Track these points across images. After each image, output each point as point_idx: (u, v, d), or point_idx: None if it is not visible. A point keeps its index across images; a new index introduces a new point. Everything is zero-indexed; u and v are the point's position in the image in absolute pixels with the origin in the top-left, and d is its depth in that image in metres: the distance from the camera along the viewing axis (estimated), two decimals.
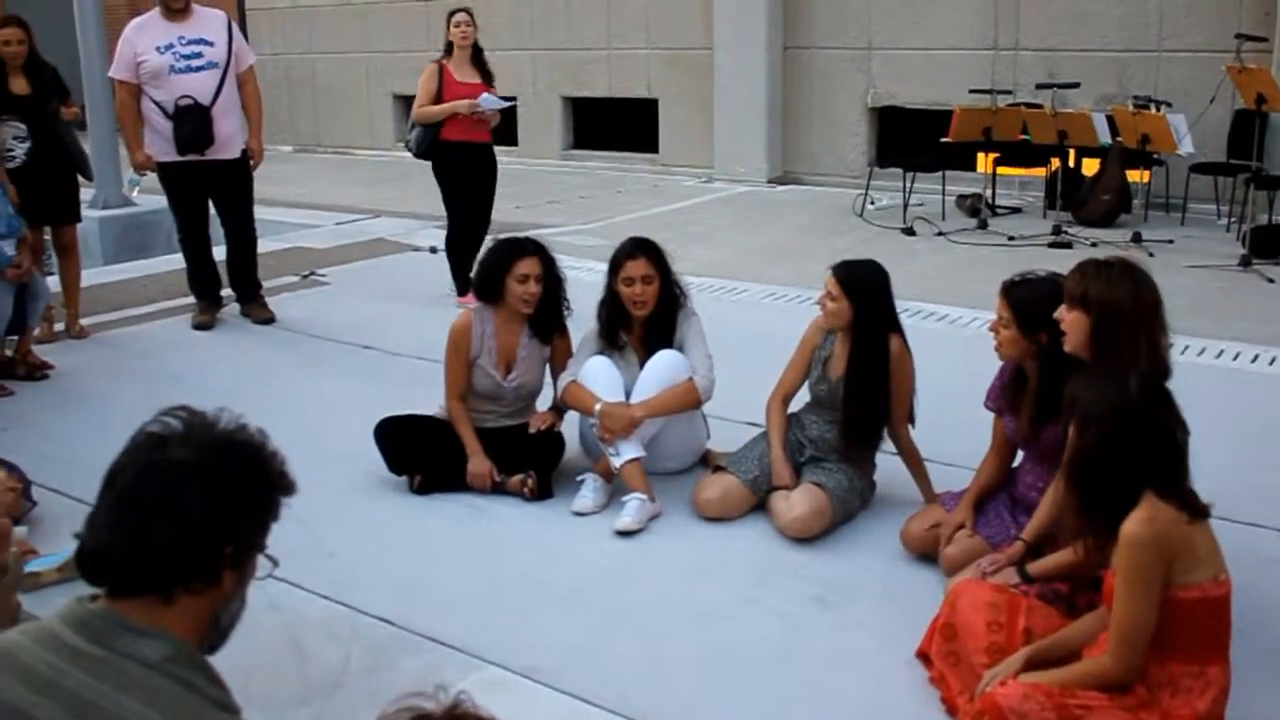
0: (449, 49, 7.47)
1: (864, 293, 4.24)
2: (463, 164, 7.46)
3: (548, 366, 4.89)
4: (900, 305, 4.46)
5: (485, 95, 7.34)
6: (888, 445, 4.46)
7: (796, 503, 4.23)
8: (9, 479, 4.33)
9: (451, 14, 7.51)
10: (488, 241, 5.05)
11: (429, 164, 7.61)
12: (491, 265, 4.76)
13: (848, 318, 4.25)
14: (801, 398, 4.58)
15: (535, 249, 4.74)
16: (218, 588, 1.86)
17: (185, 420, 1.88)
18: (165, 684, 1.77)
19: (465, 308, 7.04)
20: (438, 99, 7.36)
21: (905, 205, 10.18)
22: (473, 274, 5.01)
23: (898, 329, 4.35)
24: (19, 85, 6.65)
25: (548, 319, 4.79)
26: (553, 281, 4.76)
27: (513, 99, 7.45)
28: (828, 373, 4.41)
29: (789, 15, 12.51)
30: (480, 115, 7.34)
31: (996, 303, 3.76)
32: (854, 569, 4.04)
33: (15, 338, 6.25)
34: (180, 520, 1.79)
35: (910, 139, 11.57)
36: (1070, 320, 3.42)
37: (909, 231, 9.67)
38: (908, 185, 10.31)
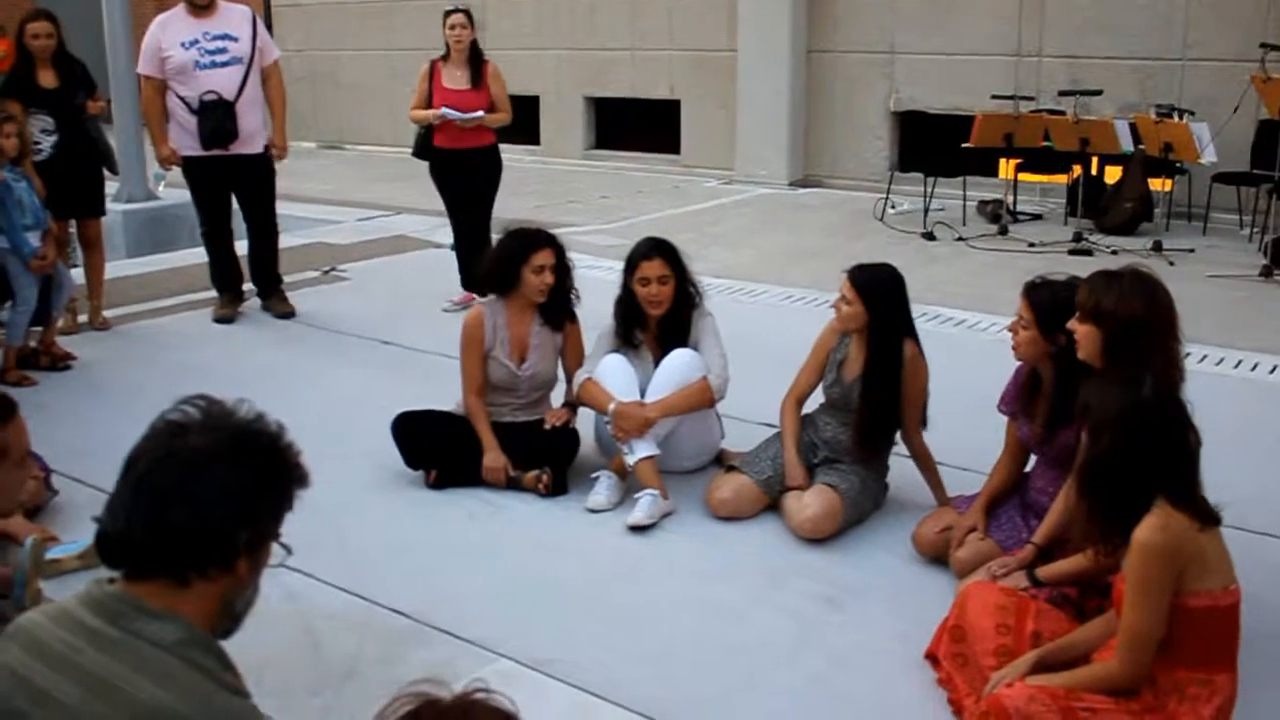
0: (447, 49, 7.30)
1: (878, 296, 4.26)
2: (454, 169, 7.32)
3: (560, 355, 4.93)
4: (918, 310, 4.48)
5: (445, 109, 7.08)
6: (901, 448, 4.47)
7: (809, 503, 4.25)
8: (32, 468, 4.40)
9: (447, 14, 7.27)
10: (498, 234, 5.06)
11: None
12: (507, 257, 4.79)
13: (862, 321, 4.27)
14: (816, 399, 4.60)
15: (549, 240, 4.79)
16: (232, 574, 1.89)
17: (204, 409, 1.92)
18: (178, 666, 1.80)
19: (455, 308, 7.02)
20: (428, 102, 7.23)
21: (926, 210, 10.17)
22: (483, 267, 5.02)
23: (912, 333, 4.36)
24: (47, 79, 6.72)
25: (557, 306, 4.85)
26: (562, 271, 4.81)
27: (480, 111, 7.12)
28: (842, 375, 4.42)
29: (812, 18, 12.51)
30: (460, 124, 7.11)
31: (1018, 303, 3.78)
32: (865, 570, 4.06)
33: (40, 328, 6.32)
34: (197, 506, 1.83)
35: (932, 144, 11.55)
36: (1082, 333, 3.42)
37: (929, 236, 9.67)
38: (928, 190, 10.31)
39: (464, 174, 7.35)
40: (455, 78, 7.22)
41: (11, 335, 6.03)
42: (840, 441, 4.41)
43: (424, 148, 7.40)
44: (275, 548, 1.97)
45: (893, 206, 10.75)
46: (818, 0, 12.48)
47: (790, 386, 4.58)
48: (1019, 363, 3.92)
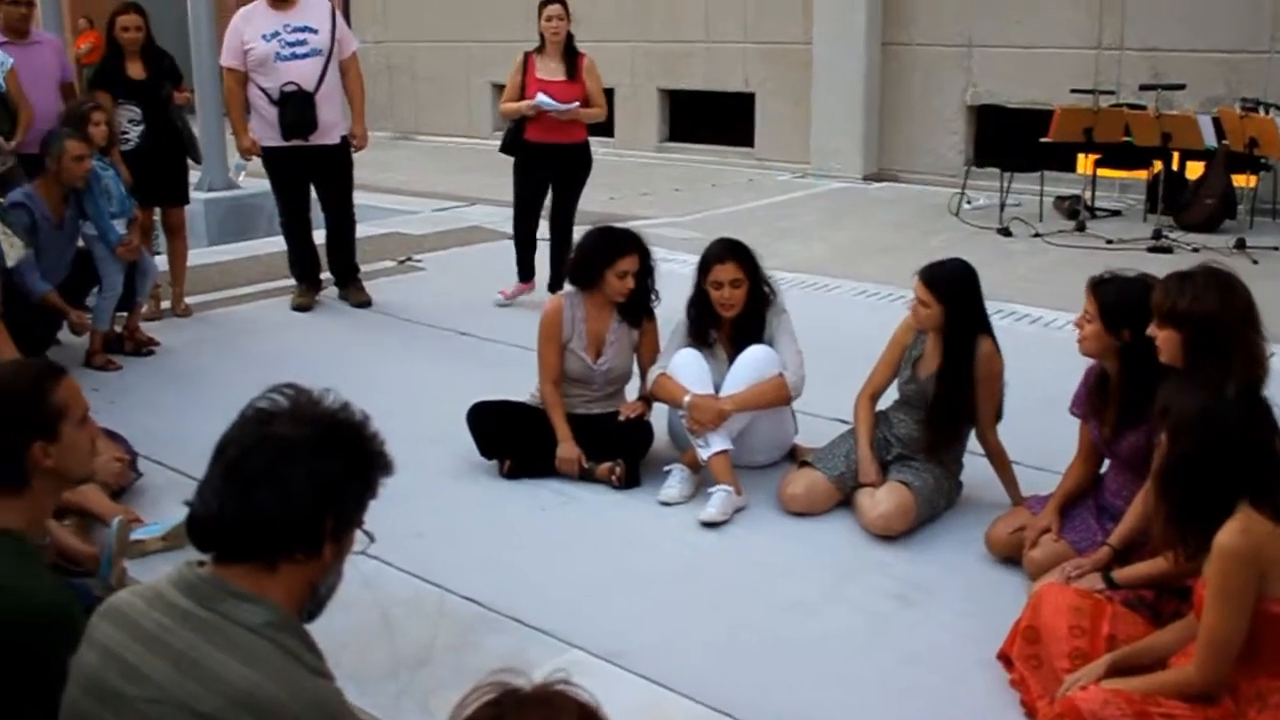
0: (542, 40, 7.18)
1: (954, 294, 4.23)
2: (545, 164, 7.18)
3: (636, 352, 4.95)
4: (993, 306, 4.44)
5: (541, 96, 6.94)
6: (975, 446, 4.44)
7: (882, 500, 4.24)
8: (117, 450, 4.51)
9: (542, 5, 7.15)
10: (586, 229, 5.08)
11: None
12: (592, 256, 4.83)
13: (941, 321, 4.24)
14: (890, 396, 4.58)
15: (636, 245, 4.81)
16: (318, 559, 1.94)
17: (292, 398, 1.97)
18: (265, 647, 1.85)
19: (506, 300, 7.06)
20: (521, 94, 7.11)
21: (1002, 205, 10.05)
22: (569, 261, 5.06)
23: (988, 329, 4.33)
24: (135, 70, 6.85)
25: (636, 305, 4.88)
26: (645, 273, 4.83)
27: (576, 102, 7.02)
28: (917, 372, 4.40)
29: (888, 11, 12.42)
30: (556, 115, 7.00)
31: (1085, 298, 3.74)
32: (937, 568, 4.04)
33: (124, 314, 6.46)
34: (285, 492, 1.87)
35: (1009, 138, 11.42)
36: (1163, 338, 3.37)
37: (1005, 232, 9.56)
38: (1005, 185, 10.19)
39: (554, 169, 7.22)
40: (550, 69, 7.09)
41: (98, 320, 6.17)
42: (914, 438, 4.39)
43: (513, 142, 7.26)
44: (359, 534, 2.02)
45: (968, 202, 10.65)
46: None
47: (865, 382, 4.56)
48: (1090, 363, 3.88)
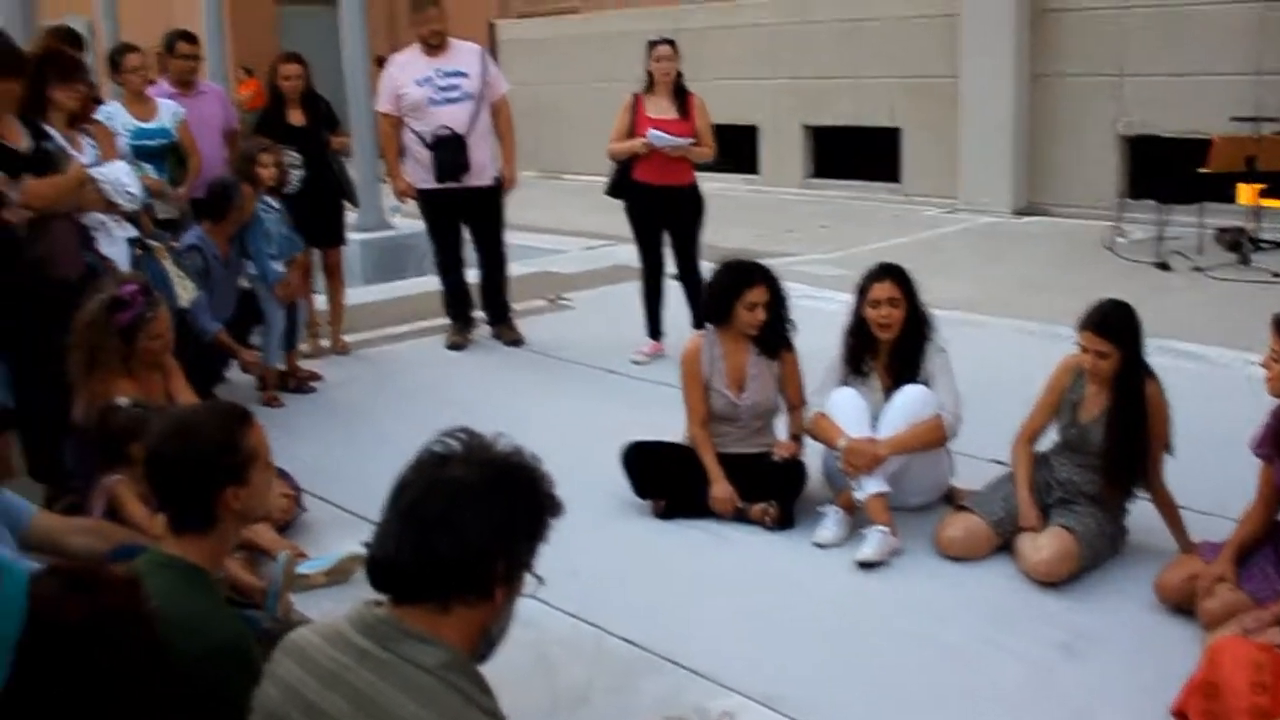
0: (650, 81, 6.99)
1: (1130, 340, 4.13)
2: (655, 206, 7.02)
3: (779, 386, 4.93)
4: (1153, 344, 4.32)
5: (653, 132, 6.77)
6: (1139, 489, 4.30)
7: (1044, 545, 4.13)
8: (283, 485, 4.65)
9: (652, 45, 7.01)
10: (713, 266, 5.08)
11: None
12: (721, 291, 4.85)
13: (1117, 368, 4.13)
14: (1049, 438, 4.47)
15: (763, 277, 4.81)
16: (490, 601, 1.97)
17: (465, 442, 2.01)
18: (441, 689, 1.89)
19: (643, 359, 6.98)
20: (630, 134, 6.95)
21: (1159, 239, 9.77)
22: (701, 302, 5.09)
23: (1150, 371, 4.20)
24: (296, 117, 7.11)
25: (773, 336, 4.87)
26: (776, 302, 4.84)
27: (689, 139, 6.83)
28: (1078, 416, 4.29)
29: (1037, 42, 12.20)
30: (665, 152, 6.84)
31: (1269, 337, 3.60)
32: (1103, 617, 3.91)
33: (284, 352, 6.67)
34: (460, 536, 1.91)
35: (1164, 169, 11.09)
36: None
37: (1163, 266, 9.28)
38: (1161, 218, 9.90)
39: (665, 211, 7.07)
40: (661, 108, 6.96)
41: (267, 357, 6.39)
42: (1075, 483, 4.28)
43: (620, 184, 7.11)
44: (528, 578, 2.04)
45: (1123, 235, 10.37)
46: (1042, 23, 12.18)
47: (1022, 425, 4.47)
48: (1276, 402, 3.73)
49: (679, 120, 6.93)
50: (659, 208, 7.05)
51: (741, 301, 4.76)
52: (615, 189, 7.17)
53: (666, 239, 7.20)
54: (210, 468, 2.49)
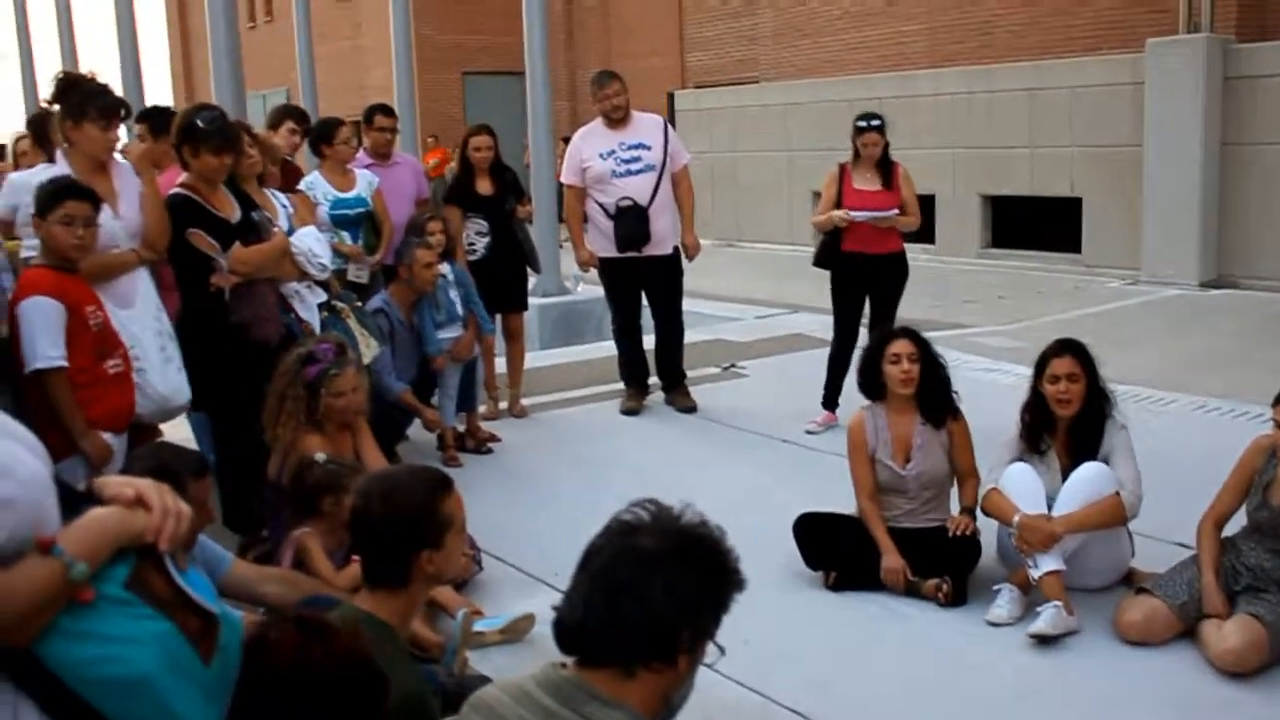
0: (855, 153, 7.06)
1: None
2: (863, 275, 7.04)
3: (948, 456, 4.90)
4: None
5: (850, 210, 6.84)
6: None
7: (1231, 634, 3.99)
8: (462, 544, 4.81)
9: (860, 130, 6.99)
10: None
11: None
12: (866, 357, 4.96)
13: None
14: (1237, 521, 4.34)
15: (904, 332, 4.90)
16: (674, 668, 2.04)
17: (653, 511, 2.09)
18: None
19: (819, 428, 6.97)
20: (838, 204, 6.97)
21: None
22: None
23: None
24: (484, 186, 7.39)
25: (936, 404, 4.87)
26: (931, 364, 4.84)
27: (894, 210, 6.89)
28: (1269, 498, 4.16)
29: (1227, 109, 11.89)
30: (874, 223, 6.88)
31: None
32: None
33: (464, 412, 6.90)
34: (647, 603, 1.99)
35: None
36: None
37: None
38: None
39: (871, 280, 7.10)
40: (866, 179, 7.01)
41: (444, 417, 6.62)
42: (1266, 569, 4.14)
43: (827, 255, 7.17)
44: (710, 647, 2.11)
45: None
46: (1232, 91, 11.87)
47: (1209, 506, 4.35)
48: None
49: (884, 191, 6.99)
50: (866, 276, 7.08)
51: (884, 358, 4.83)
52: (822, 259, 7.24)
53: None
54: (411, 530, 2.62)
